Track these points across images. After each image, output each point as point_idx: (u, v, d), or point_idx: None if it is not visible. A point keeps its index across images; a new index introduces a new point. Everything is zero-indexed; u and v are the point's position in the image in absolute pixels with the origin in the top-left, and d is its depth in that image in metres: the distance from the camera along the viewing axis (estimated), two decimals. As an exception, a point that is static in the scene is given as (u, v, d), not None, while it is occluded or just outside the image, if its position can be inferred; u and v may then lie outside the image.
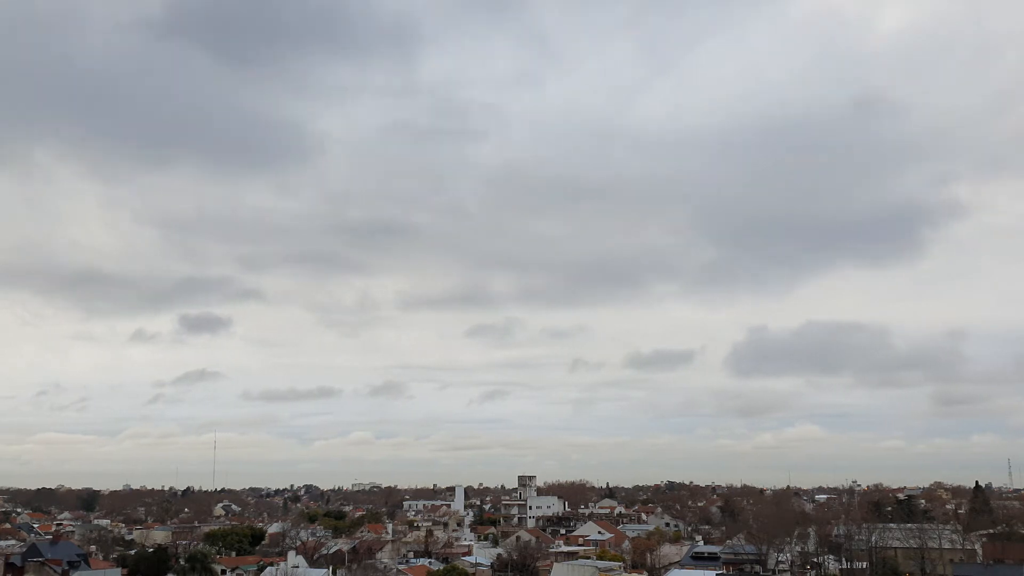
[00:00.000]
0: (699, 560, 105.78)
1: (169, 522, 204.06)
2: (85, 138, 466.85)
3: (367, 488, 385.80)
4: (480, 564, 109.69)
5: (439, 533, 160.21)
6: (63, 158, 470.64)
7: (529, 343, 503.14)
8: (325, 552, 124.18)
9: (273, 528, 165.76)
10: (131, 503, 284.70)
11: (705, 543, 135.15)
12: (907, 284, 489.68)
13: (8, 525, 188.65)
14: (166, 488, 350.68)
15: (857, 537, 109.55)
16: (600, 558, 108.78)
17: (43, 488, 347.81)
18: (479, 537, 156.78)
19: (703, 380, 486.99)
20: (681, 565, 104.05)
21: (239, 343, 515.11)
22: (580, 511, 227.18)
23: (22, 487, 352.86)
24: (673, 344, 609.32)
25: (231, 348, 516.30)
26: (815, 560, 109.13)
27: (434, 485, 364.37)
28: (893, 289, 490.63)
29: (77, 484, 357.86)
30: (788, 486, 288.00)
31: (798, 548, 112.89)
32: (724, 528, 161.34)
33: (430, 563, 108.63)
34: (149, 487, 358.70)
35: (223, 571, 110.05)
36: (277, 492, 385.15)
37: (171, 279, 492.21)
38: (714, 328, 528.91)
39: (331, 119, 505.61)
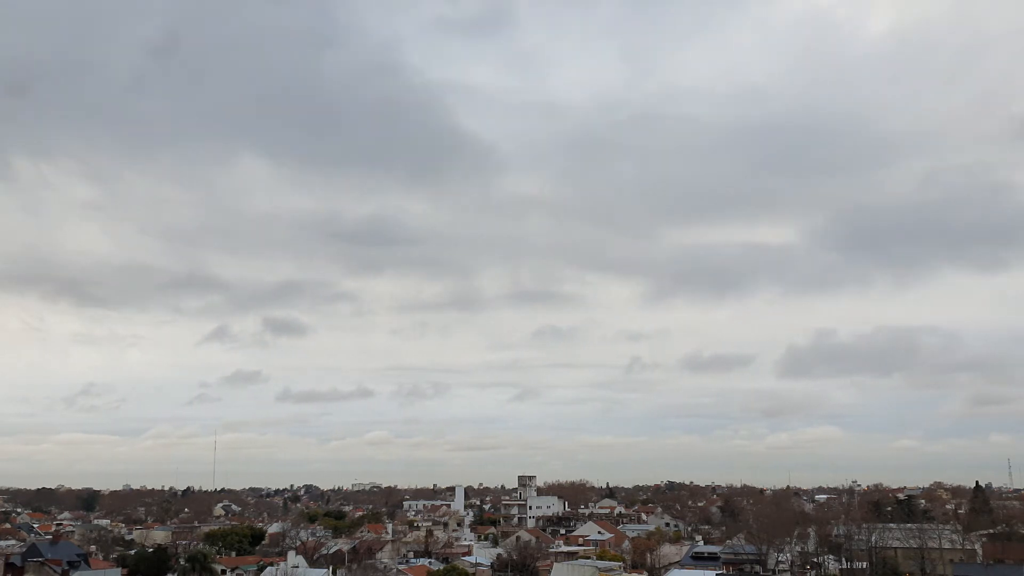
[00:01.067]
0: (699, 560, 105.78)
1: (169, 522, 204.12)
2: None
3: (367, 488, 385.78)
4: (480, 564, 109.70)
5: (439, 533, 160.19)
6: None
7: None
8: (325, 552, 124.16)
9: (273, 528, 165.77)
10: (131, 503, 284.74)
11: (705, 543, 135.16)
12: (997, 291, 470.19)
13: (8, 525, 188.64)
14: (166, 488, 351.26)
15: (857, 537, 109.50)
16: (600, 558, 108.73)
17: (43, 488, 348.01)
18: (479, 537, 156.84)
19: (749, 383, 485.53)
20: (681, 565, 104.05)
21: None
22: (580, 511, 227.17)
23: (22, 487, 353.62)
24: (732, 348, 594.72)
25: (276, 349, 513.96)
26: (815, 560, 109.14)
27: (434, 485, 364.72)
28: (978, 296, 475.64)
29: (77, 484, 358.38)
30: (788, 486, 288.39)
31: (798, 548, 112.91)
32: (724, 528, 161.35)
33: (430, 563, 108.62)
34: (149, 487, 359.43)
35: (223, 571, 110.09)
36: (277, 492, 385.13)
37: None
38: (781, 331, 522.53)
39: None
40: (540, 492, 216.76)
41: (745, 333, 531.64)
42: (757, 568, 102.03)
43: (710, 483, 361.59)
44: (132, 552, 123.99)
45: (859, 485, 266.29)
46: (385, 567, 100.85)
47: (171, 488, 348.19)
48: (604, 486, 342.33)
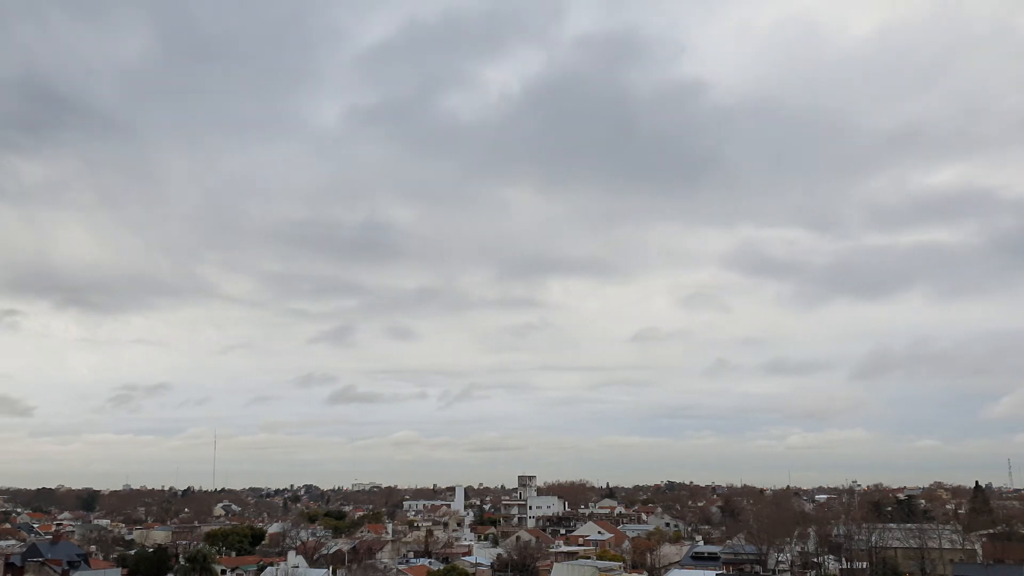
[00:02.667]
0: (699, 560, 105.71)
1: (169, 522, 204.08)
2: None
3: (367, 488, 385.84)
4: (480, 564, 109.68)
5: (439, 533, 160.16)
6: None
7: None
8: (325, 552, 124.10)
9: (273, 528, 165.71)
10: (131, 503, 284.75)
11: (705, 543, 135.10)
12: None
13: (8, 525, 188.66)
14: (166, 488, 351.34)
15: (857, 537, 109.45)
16: (600, 558, 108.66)
17: (43, 488, 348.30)
18: (479, 537, 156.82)
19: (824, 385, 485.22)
20: (681, 565, 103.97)
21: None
22: (580, 511, 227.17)
23: (22, 487, 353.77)
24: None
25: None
26: (815, 560, 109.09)
27: (434, 485, 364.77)
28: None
29: (77, 484, 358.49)
30: (788, 486, 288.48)
31: (798, 548, 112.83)
32: (724, 528, 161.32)
33: (430, 563, 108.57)
34: (149, 487, 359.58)
35: (223, 571, 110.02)
36: (277, 492, 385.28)
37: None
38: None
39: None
40: (540, 492, 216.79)
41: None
42: (757, 568, 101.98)
43: (710, 483, 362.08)
44: (132, 552, 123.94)
45: (859, 485, 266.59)
46: (385, 567, 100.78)
47: (171, 488, 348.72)
48: (604, 486, 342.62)
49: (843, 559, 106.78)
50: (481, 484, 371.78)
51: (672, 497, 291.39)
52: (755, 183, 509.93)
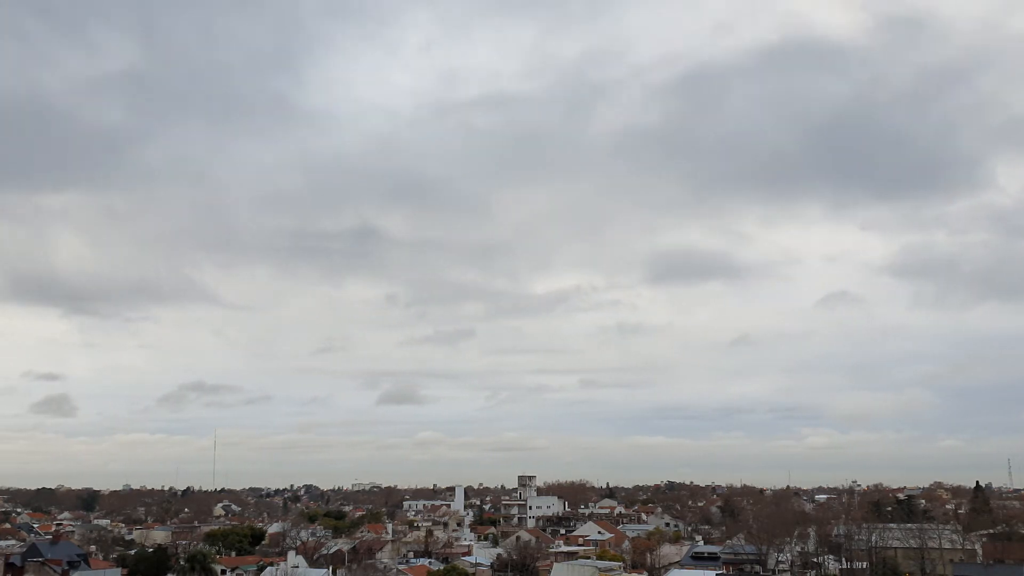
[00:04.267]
0: (699, 560, 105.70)
1: (169, 522, 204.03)
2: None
3: (367, 488, 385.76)
4: (480, 564, 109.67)
5: (439, 533, 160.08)
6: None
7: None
8: (325, 552, 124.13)
9: (273, 528, 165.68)
10: (131, 503, 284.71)
11: (705, 543, 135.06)
12: None
13: (8, 525, 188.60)
14: (166, 488, 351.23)
15: (857, 537, 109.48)
16: (600, 558, 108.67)
17: (43, 488, 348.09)
18: (479, 537, 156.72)
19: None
20: (681, 565, 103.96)
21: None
22: (580, 511, 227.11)
23: (22, 487, 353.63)
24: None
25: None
26: (815, 560, 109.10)
27: (434, 485, 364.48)
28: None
29: (77, 484, 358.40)
30: (788, 486, 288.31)
31: (798, 548, 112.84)
32: (724, 528, 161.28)
33: (430, 563, 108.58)
34: (149, 487, 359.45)
35: (223, 571, 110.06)
36: (277, 492, 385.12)
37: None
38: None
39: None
40: (540, 492, 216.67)
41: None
42: (757, 568, 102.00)
43: (710, 483, 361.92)
44: (132, 552, 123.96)
45: (859, 485, 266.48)
46: (385, 567, 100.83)
47: (171, 488, 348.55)
48: (604, 486, 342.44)
49: (843, 559, 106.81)
50: (481, 484, 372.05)
51: (672, 497, 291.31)
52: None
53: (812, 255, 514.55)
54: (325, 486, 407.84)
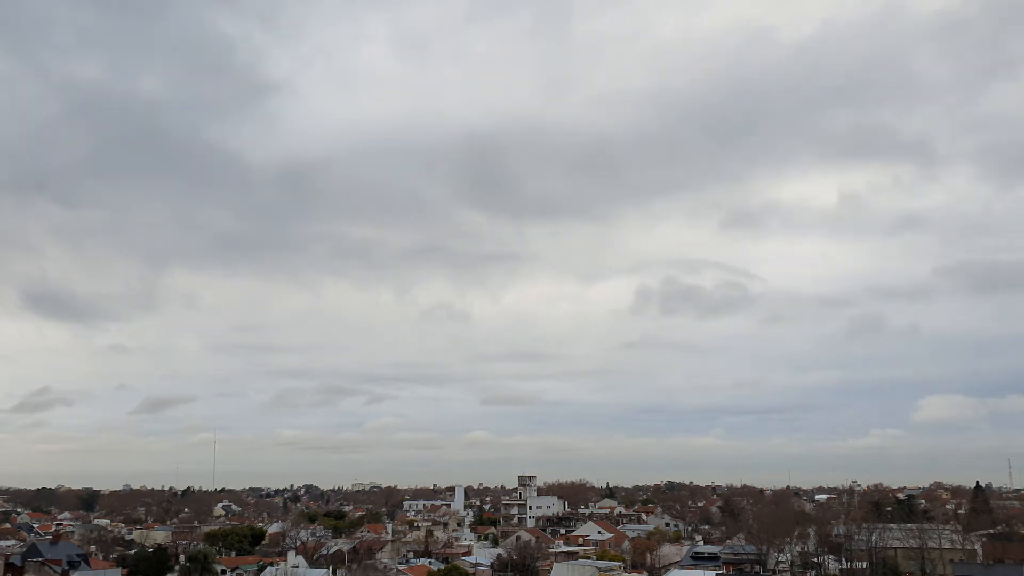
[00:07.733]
0: (699, 560, 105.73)
1: (169, 522, 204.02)
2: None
3: (367, 488, 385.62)
4: (480, 564, 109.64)
5: (439, 533, 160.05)
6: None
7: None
8: (325, 552, 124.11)
9: (273, 528, 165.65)
10: (131, 503, 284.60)
11: (705, 543, 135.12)
12: None
13: (8, 525, 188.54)
14: (166, 488, 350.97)
15: (857, 537, 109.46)
16: (600, 558, 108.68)
17: (43, 488, 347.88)
18: (479, 537, 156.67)
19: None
20: (681, 565, 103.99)
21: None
22: (580, 511, 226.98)
23: (22, 487, 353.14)
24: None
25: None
26: (815, 560, 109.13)
27: (434, 485, 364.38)
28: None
29: (77, 484, 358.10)
30: (788, 486, 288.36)
31: (798, 548, 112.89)
32: (724, 528, 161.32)
33: (430, 563, 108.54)
34: (149, 487, 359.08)
35: (223, 571, 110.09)
36: (277, 492, 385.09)
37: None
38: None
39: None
40: (540, 492, 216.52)
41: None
42: (757, 568, 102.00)
43: (710, 483, 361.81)
44: (132, 552, 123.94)
45: (859, 485, 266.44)
46: (385, 567, 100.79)
47: (171, 488, 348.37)
48: (604, 486, 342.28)
49: (843, 559, 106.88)
50: (481, 484, 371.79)
51: (672, 497, 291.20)
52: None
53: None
54: (325, 486, 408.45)
